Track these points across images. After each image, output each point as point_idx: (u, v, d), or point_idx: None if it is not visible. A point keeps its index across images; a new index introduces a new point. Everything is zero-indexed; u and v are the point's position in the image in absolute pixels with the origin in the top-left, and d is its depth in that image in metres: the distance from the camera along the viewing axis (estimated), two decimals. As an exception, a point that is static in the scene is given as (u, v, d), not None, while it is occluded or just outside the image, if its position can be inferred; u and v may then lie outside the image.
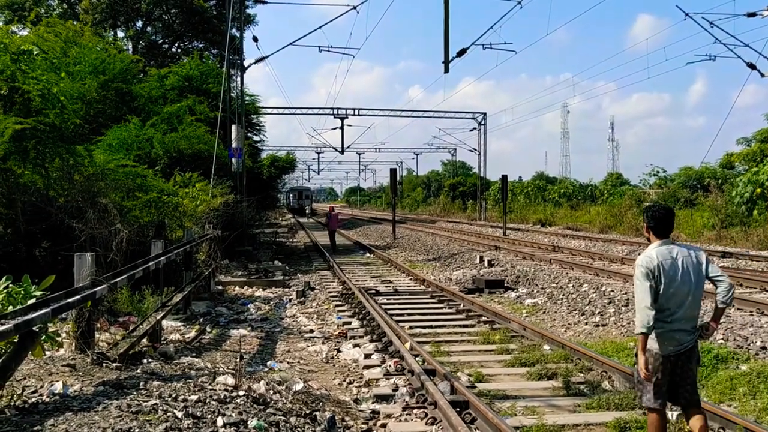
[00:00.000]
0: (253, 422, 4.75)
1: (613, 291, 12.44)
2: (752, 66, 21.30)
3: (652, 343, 4.55)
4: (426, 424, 5.94)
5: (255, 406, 5.30)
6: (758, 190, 24.77)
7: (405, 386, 7.07)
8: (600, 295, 12.29)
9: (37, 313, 4.91)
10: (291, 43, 25.19)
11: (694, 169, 40.68)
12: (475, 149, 49.95)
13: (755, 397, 6.61)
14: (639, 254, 4.93)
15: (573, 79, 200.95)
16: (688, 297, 4.54)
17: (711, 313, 4.78)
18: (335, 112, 44.58)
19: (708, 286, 4.77)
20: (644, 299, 4.45)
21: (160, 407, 4.64)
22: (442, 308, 12.41)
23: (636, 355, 4.66)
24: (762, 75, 21.36)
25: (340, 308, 12.58)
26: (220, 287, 14.89)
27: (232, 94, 23.99)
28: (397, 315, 11.48)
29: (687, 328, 4.56)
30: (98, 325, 7.76)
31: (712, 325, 4.66)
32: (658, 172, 46.22)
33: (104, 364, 6.16)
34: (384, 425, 6.00)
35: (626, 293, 12.04)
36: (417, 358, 7.84)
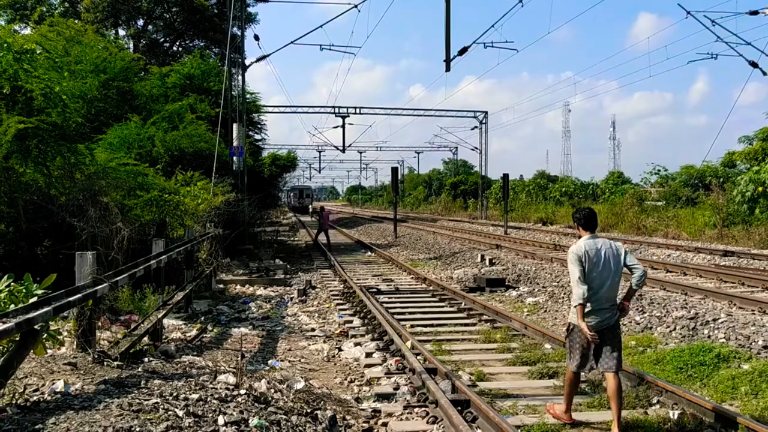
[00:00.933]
0: (254, 421, 4.75)
1: (614, 290, 12.43)
2: (754, 64, 21.26)
3: (578, 319, 5.56)
4: (427, 423, 5.94)
5: (256, 404, 5.30)
6: (760, 189, 24.73)
7: (406, 385, 7.07)
8: (601, 294, 12.27)
9: (39, 312, 4.91)
10: (292, 42, 25.16)
11: (696, 168, 40.57)
12: (477, 148, 50.00)
13: (757, 396, 6.60)
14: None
15: (574, 78, 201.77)
16: (608, 281, 5.56)
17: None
18: (336, 110, 44.61)
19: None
20: (578, 278, 5.49)
21: (161, 406, 4.63)
22: (443, 307, 12.41)
23: (569, 330, 5.78)
24: (764, 73, 21.33)
25: (341, 307, 12.58)
26: (221, 286, 14.90)
27: (233, 93, 23.99)
28: (399, 313, 11.48)
29: (606, 306, 5.59)
30: (99, 324, 7.77)
31: (625, 303, 5.75)
32: (659, 170, 46.09)
33: (105, 363, 6.17)
34: (385, 424, 6.00)
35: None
36: (418, 357, 7.84)
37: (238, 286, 15.29)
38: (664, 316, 10.27)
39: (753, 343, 8.40)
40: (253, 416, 4.87)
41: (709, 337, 9.03)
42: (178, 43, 36.67)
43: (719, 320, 9.57)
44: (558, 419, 5.92)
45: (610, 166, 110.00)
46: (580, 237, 5.78)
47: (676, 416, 5.91)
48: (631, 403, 6.39)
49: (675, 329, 9.61)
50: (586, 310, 5.51)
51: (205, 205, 15.97)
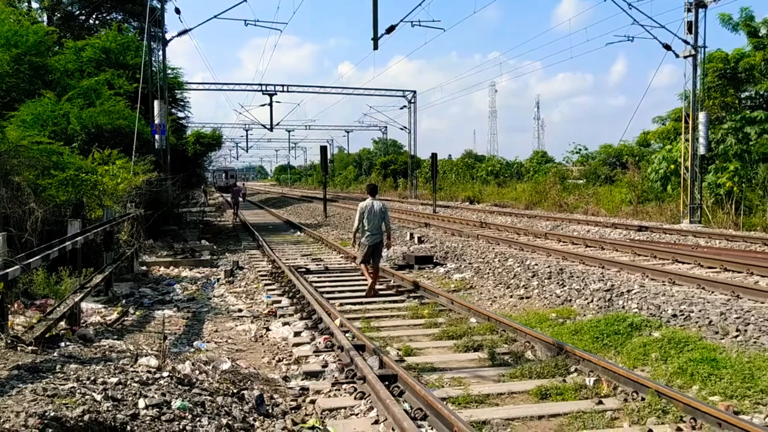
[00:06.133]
0: (176, 403, 4.67)
1: (536, 265, 12.83)
2: (667, 47, 22.15)
3: (363, 240, 9.83)
4: (355, 398, 5.99)
5: (179, 386, 5.20)
6: (672, 167, 25.97)
7: (334, 362, 7.11)
8: (524, 269, 12.66)
9: (-58, 297, 4.64)
10: (215, 16, 24.31)
11: (614, 147, 41.92)
12: (406, 127, 50.20)
13: (666, 362, 6.98)
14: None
15: (501, 58, 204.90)
16: (375, 220, 9.76)
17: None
18: (264, 88, 43.71)
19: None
20: (357, 220, 9.84)
21: (78, 390, 4.48)
22: (371, 285, 12.47)
23: (358, 245, 10.05)
24: (677, 56, 22.26)
25: (269, 287, 12.47)
26: (144, 268, 14.47)
27: (153, 68, 23.14)
28: (328, 292, 11.49)
29: (376, 233, 9.79)
30: (13, 308, 7.43)
31: (387, 240, 9.99)
32: (580, 149, 47.46)
33: (19, 348, 5.90)
34: (313, 401, 6.01)
35: (549, 267, 12.45)
36: (347, 335, 7.89)
37: (162, 268, 14.89)
38: (583, 288, 10.69)
39: (663, 312, 8.87)
40: (176, 398, 4.79)
41: (623, 307, 9.46)
42: (94, 16, 34.96)
43: (633, 291, 10.05)
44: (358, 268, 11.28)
45: (534, 145, 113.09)
46: (365, 198, 10.03)
47: (591, 383, 6.19)
48: (551, 372, 6.64)
49: (593, 301, 10.03)
50: (366, 235, 9.78)
51: (126, 185, 15.44)
